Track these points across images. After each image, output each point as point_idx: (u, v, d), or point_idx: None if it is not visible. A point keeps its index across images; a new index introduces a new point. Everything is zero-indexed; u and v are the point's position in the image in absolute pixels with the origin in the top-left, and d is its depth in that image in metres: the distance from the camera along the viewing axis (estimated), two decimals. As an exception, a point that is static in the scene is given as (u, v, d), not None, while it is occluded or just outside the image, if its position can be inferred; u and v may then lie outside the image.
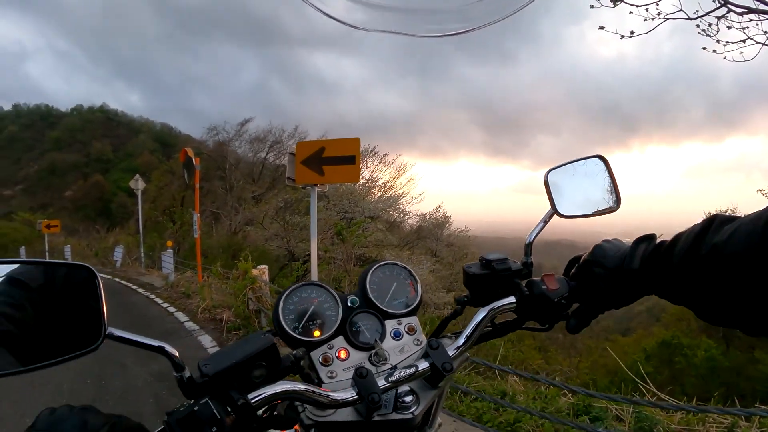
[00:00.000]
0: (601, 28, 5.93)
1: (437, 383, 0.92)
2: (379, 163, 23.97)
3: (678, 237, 0.80)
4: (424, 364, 0.89)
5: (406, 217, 23.11)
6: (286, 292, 0.99)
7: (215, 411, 0.71)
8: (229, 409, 0.72)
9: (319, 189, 7.19)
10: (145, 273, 17.18)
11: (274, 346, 0.82)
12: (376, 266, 1.07)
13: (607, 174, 1.11)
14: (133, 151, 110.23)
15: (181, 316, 9.26)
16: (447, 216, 23.35)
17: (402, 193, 22.50)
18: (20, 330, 0.70)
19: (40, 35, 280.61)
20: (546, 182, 1.11)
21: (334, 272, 15.68)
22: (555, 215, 1.11)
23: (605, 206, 1.10)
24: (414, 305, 1.05)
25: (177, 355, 0.78)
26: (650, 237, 0.88)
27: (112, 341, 0.76)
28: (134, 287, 13.79)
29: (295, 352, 0.90)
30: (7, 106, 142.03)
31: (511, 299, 0.98)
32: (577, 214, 1.10)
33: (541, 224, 1.10)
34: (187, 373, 0.77)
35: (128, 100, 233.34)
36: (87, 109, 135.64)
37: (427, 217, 23.08)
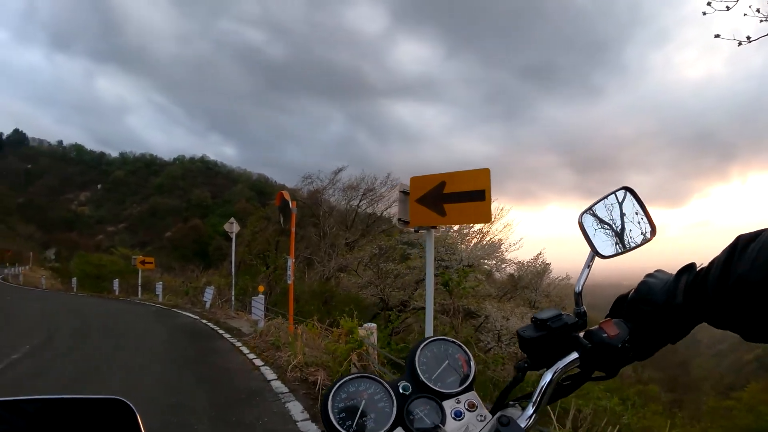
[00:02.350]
0: (717, 36, 4.95)
1: None
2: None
3: (711, 265, 0.81)
4: None
5: (504, 266, 21.48)
6: (333, 390, 0.94)
7: None
8: None
9: (436, 233, 6.02)
10: (234, 316, 16.61)
11: None
12: (422, 345, 1.04)
13: (637, 204, 1.10)
14: (230, 198, 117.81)
15: (269, 372, 8.16)
16: (546, 263, 21.64)
17: (500, 239, 21.17)
18: None
19: (140, 91, 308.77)
20: (580, 225, 1.10)
21: (439, 328, 14.48)
22: (596, 257, 1.07)
23: (641, 238, 1.08)
24: (470, 381, 1.01)
25: None
26: (690, 267, 0.87)
27: None
28: (220, 331, 13.14)
29: None
30: (114, 154, 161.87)
31: (574, 355, 0.92)
32: (617, 252, 1.08)
33: (586, 270, 1.06)
34: None
35: (223, 152, 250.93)
36: (188, 159, 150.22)
37: (525, 264, 21.40)
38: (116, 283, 30.26)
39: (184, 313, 18.51)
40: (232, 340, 11.61)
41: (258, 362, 9.01)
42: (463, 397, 0.98)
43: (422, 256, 20.60)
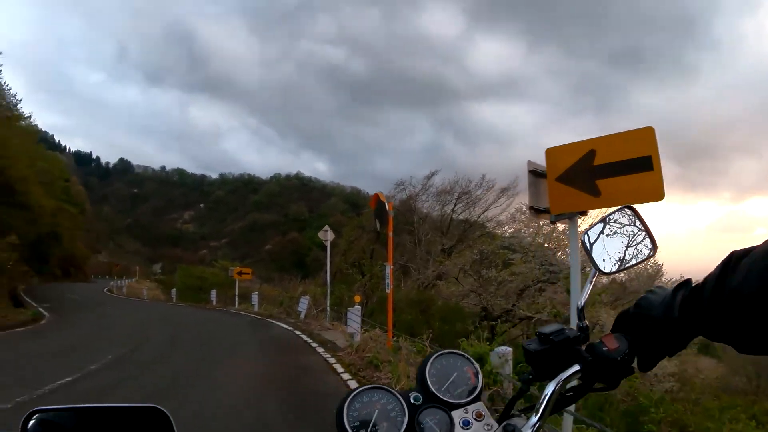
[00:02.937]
0: None
1: None
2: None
3: (705, 280, 0.84)
4: None
5: None
6: (347, 400, 0.98)
7: None
8: None
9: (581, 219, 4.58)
10: (329, 327, 15.65)
11: None
12: (432, 358, 1.09)
13: (638, 223, 1.14)
14: (325, 212, 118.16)
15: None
16: (659, 264, 19.54)
17: None
18: None
19: (232, 116, 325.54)
20: (584, 244, 1.15)
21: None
22: (599, 274, 1.13)
23: (643, 255, 1.13)
24: (478, 392, 1.05)
25: None
26: (687, 283, 0.90)
27: None
28: (314, 344, 12.14)
29: None
30: (214, 175, 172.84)
31: (576, 368, 0.95)
32: (618, 268, 1.13)
33: (589, 286, 1.11)
34: None
35: (316, 168, 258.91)
36: (284, 176, 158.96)
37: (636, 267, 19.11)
38: (213, 293, 30.48)
39: (278, 323, 17.79)
40: (326, 355, 10.53)
41: (353, 385, 7.72)
42: (471, 408, 1.02)
43: (527, 262, 18.94)
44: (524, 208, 23.50)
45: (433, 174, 28.55)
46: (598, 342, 0.97)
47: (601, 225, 1.16)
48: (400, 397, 1.00)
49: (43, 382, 7.37)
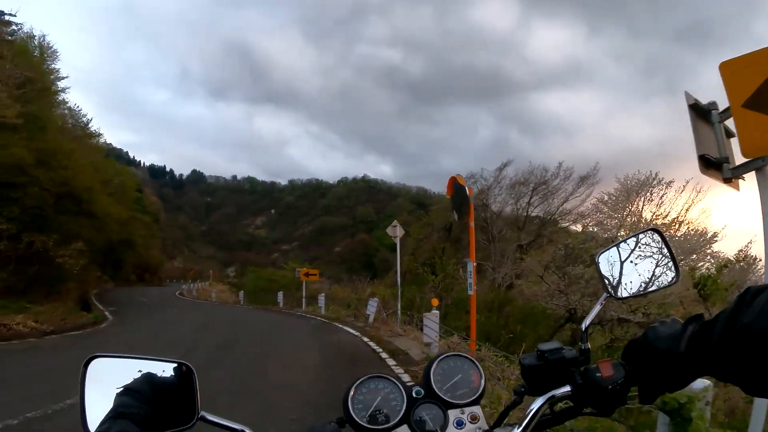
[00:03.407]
0: None
1: None
2: (662, 195, 19.16)
3: (718, 316, 0.81)
4: None
5: (701, 264, 16.81)
6: (355, 384, 1.06)
7: None
8: None
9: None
10: (401, 333, 14.09)
11: None
12: (440, 358, 1.13)
13: (663, 246, 1.11)
14: (392, 213, 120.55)
15: None
16: (753, 257, 16.91)
17: (703, 229, 17.41)
18: (143, 411, 0.88)
19: (296, 124, 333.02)
20: (597, 265, 1.14)
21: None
22: (610, 298, 1.12)
23: (663, 282, 1.10)
24: (477, 395, 1.08)
25: None
26: (698, 317, 0.88)
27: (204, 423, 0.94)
28: (383, 355, 10.63)
29: None
30: (284, 182, 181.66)
31: (566, 388, 0.97)
32: (633, 294, 1.11)
33: (597, 308, 1.10)
34: None
35: (381, 170, 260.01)
36: (351, 180, 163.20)
37: (727, 259, 16.63)
38: (280, 295, 29.83)
39: (344, 328, 16.44)
40: (398, 370, 8.92)
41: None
42: (468, 409, 1.05)
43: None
44: (606, 198, 21.68)
45: (505, 165, 26.56)
46: (594, 367, 0.96)
47: (619, 246, 1.14)
48: (403, 390, 1.06)
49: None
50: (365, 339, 13.06)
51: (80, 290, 23.88)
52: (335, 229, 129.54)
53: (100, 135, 38.31)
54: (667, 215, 18.83)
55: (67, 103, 31.30)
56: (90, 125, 35.14)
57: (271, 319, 21.13)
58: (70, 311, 17.83)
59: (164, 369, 0.97)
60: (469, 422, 1.03)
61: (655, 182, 19.72)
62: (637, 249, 1.12)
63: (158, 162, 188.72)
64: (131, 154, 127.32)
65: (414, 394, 1.05)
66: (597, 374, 0.94)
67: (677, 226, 18.37)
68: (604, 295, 1.11)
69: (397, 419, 1.01)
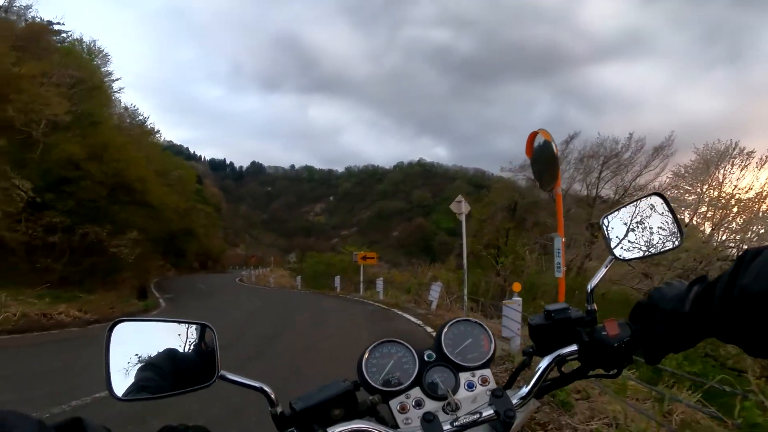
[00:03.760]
0: None
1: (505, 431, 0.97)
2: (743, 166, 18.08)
3: (719, 278, 0.81)
4: (488, 411, 0.94)
5: None
6: (370, 348, 1.08)
7: None
8: None
9: None
10: (469, 322, 12.63)
11: (352, 392, 0.96)
12: (451, 323, 1.13)
13: (667, 210, 1.12)
14: (449, 195, 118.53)
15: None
16: None
17: None
18: (163, 384, 0.92)
19: (349, 111, 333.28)
20: (602, 227, 1.14)
21: None
22: (615, 260, 1.13)
23: (667, 244, 1.11)
24: (487, 358, 1.08)
25: (273, 395, 0.93)
26: (702, 278, 0.87)
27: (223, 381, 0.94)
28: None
29: (372, 397, 1.01)
30: (341, 169, 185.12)
31: (573, 347, 0.99)
32: (636, 256, 1.12)
33: (603, 270, 1.11)
34: (279, 409, 0.92)
35: (436, 153, 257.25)
36: (407, 164, 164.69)
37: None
38: (337, 280, 28.98)
39: (404, 315, 14.97)
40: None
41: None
42: (478, 372, 1.05)
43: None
44: (682, 170, 19.89)
45: (572, 137, 24.74)
46: (600, 326, 0.97)
47: (623, 210, 1.14)
48: (415, 353, 1.06)
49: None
50: (429, 329, 11.58)
51: (139, 279, 24.35)
52: (392, 213, 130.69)
53: (157, 132, 40.50)
54: (750, 188, 17.61)
55: (122, 103, 33.32)
56: (147, 123, 36.90)
57: (326, 305, 20.00)
58: (122, 300, 17.68)
59: (187, 330, 0.99)
60: (480, 384, 1.04)
61: (735, 152, 17.98)
62: (641, 213, 1.12)
63: (218, 156, 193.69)
64: (192, 150, 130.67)
65: (426, 358, 1.06)
66: (603, 333, 0.95)
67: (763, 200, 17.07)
68: (609, 258, 1.11)
69: (409, 381, 1.02)
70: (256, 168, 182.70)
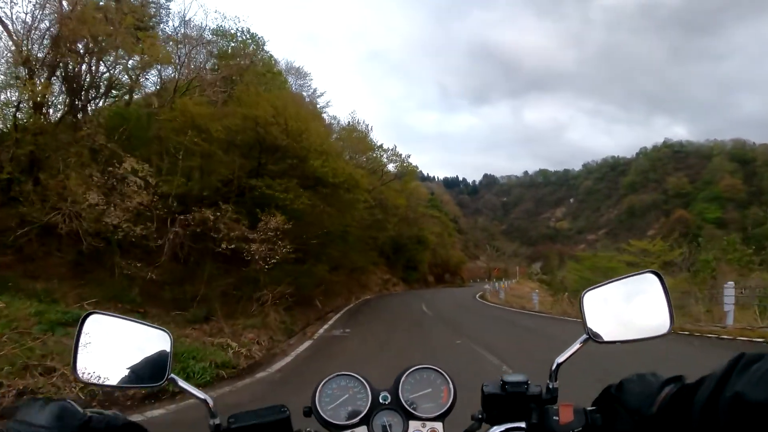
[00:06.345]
0: None
1: None
2: None
3: (702, 380, 0.74)
4: None
5: None
6: (330, 377, 1.09)
7: None
8: None
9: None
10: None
11: (287, 420, 0.99)
12: (413, 369, 1.11)
13: (662, 293, 1.01)
14: (710, 178, 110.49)
15: None
16: None
17: None
18: (126, 363, 1.00)
19: (566, 105, 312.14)
20: (581, 303, 1.07)
21: None
22: (590, 341, 1.04)
23: (653, 330, 1.01)
24: (442, 412, 1.06)
25: (212, 407, 0.97)
26: (678, 378, 0.82)
27: (172, 384, 0.99)
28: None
29: (308, 429, 1.05)
30: (576, 168, 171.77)
31: (521, 424, 0.96)
32: (618, 339, 1.03)
33: (575, 347, 1.05)
34: (217, 421, 0.96)
35: (674, 132, 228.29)
36: (651, 148, 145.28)
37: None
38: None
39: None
40: None
41: None
42: (429, 424, 1.03)
43: None
44: None
45: None
46: (555, 408, 0.93)
47: (611, 285, 1.06)
48: (370, 392, 1.05)
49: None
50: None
51: (343, 297, 23.68)
52: (644, 208, 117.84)
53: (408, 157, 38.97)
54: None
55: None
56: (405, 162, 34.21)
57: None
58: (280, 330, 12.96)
59: (149, 332, 1.05)
60: None
61: None
62: (628, 292, 1.05)
63: (450, 174, 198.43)
64: (425, 172, 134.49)
65: (381, 399, 1.05)
66: (554, 417, 0.91)
67: None
68: (584, 336, 1.03)
69: (357, 419, 1.02)
70: (489, 180, 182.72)
